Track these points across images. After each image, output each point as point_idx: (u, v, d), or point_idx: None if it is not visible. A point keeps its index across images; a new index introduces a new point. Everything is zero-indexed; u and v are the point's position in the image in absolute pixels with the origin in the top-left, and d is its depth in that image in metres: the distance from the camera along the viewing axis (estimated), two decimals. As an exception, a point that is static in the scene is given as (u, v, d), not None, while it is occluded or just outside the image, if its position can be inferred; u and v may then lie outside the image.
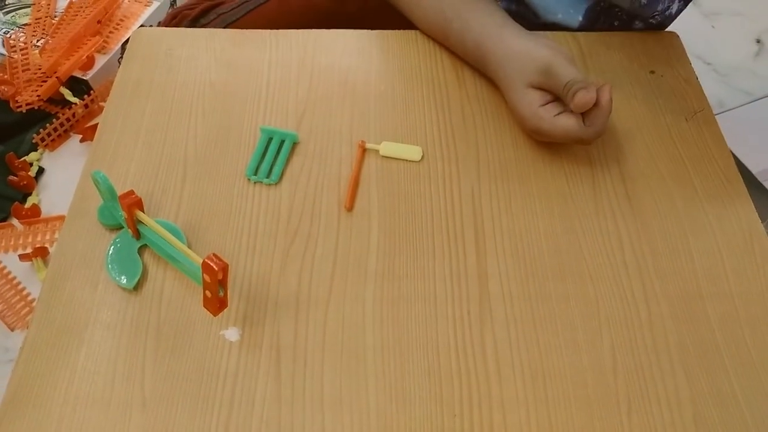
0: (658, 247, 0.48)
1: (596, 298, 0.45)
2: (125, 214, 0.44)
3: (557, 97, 0.50)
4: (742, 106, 1.08)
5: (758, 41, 1.24)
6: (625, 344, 0.43)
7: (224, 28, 0.72)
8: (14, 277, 0.92)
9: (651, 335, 0.44)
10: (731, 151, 0.88)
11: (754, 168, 0.88)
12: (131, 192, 0.44)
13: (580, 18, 0.62)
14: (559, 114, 0.50)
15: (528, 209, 0.50)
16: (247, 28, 0.67)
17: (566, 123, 0.49)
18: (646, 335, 0.44)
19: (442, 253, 0.47)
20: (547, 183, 0.52)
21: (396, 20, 0.64)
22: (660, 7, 0.60)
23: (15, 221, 0.98)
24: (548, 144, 0.53)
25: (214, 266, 0.37)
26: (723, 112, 1.05)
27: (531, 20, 0.56)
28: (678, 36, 0.63)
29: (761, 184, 0.88)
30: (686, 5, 0.66)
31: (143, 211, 0.45)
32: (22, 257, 0.92)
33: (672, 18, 0.65)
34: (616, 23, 0.62)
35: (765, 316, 0.45)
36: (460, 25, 0.57)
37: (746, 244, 0.49)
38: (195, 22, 0.75)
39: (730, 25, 1.26)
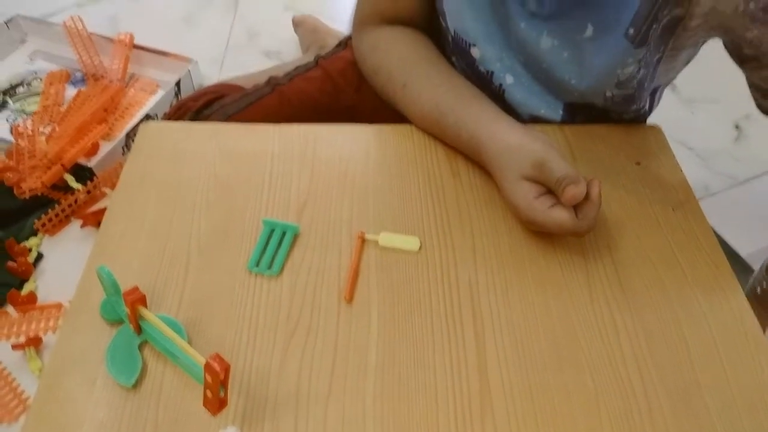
0: (654, 337, 0.49)
1: (595, 391, 0.45)
2: (128, 310, 0.45)
3: (550, 189, 0.52)
4: (727, 190, 1.12)
5: (737, 127, 1.30)
6: (627, 439, 0.43)
7: (226, 119, 0.76)
8: (4, 368, 0.91)
9: (651, 427, 0.44)
10: (719, 235, 0.91)
11: (742, 251, 0.90)
12: (135, 288, 0.45)
13: (561, 111, 0.65)
14: (552, 206, 0.52)
15: (525, 299, 0.51)
16: (248, 120, 0.70)
17: (559, 216, 0.51)
18: (647, 427, 0.44)
19: (442, 344, 0.47)
20: (542, 272, 0.53)
21: (387, 113, 0.68)
22: (633, 107, 0.64)
23: (10, 308, 0.97)
24: (542, 233, 0.55)
25: (217, 367, 0.37)
26: (708, 196, 1.08)
27: (514, 116, 0.60)
28: (660, 129, 0.67)
29: (750, 266, 0.90)
30: (658, 102, 0.70)
31: (146, 307, 0.45)
32: (14, 346, 0.91)
33: (647, 115, 0.69)
34: (593, 116, 0.65)
35: (762, 403, 0.45)
36: (454, 118, 0.60)
37: (739, 331, 0.50)
38: (198, 114, 0.78)
39: (708, 111, 1.33)
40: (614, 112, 0.65)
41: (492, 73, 0.65)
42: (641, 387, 0.46)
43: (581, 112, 0.65)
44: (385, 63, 0.67)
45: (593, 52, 0.57)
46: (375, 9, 0.69)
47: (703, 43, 0.61)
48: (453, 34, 0.65)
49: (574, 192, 0.49)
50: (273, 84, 0.79)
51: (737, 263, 0.91)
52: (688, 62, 0.65)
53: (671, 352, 0.48)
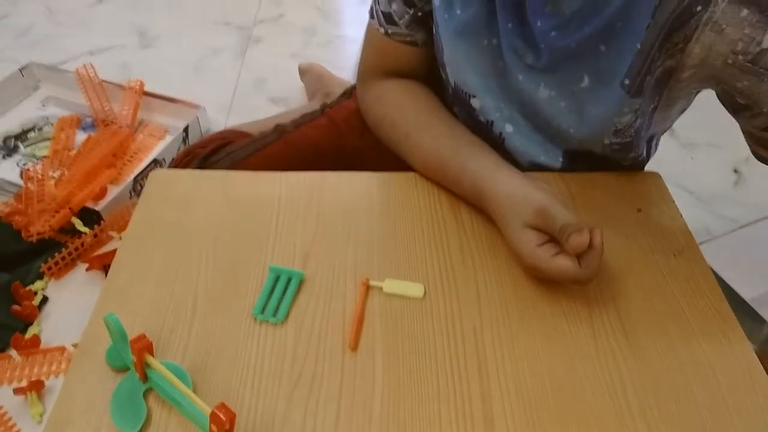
0: (661, 388, 0.48)
1: (603, 442, 0.45)
2: (135, 358, 0.45)
3: (553, 237, 0.53)
4: (729, 233, 1.12)
5: (735, 171, 1.31)
6: (636, 493, 0.42)
7: (233, 165, 0.77)
8: (6, 412, 0.90)
9: (662, 482, 0.43)
10: (723, 279, 0.91)
11: (746, 295, 0.90)
12: (142, 336, 0.45)
13: (561, 159, 0.67)
14: (556, 254, 0.52)
15: (530, 349, 0.51)
16: (254, 166, 0.72)
17: (563, 264, 0.51)
18: (657, 482, 0.43)
19: (447, 395, 0.47)
20: (547, 322, 0.53)
21: (391, 159, 0.69)
22: (631, 155, 0.65)
23: (13, 352, 0.97)
24: (546, 282, 0.55)
25: (223, 417, 0.37)
26: (710, 239, 1.09)
27: (515, 164, 0.61)
28: (660, 176, 0.68)
29: (755, 311, 0.90)
30: (656, 149, 0.72)
31: (153, 355, 0.45)
32: (16, 391, 0.90)
33: (645, 162, 0.70)
34: (593, 163, 0.67)
35: (774, 456, 0.45)
36: (456, 167, 0.62)
37: (746, 381, 0.49)
38: (206, 160, 0.80)
39: (707, 155, 1.34)
40: (613, 159, 0.66)
41: (492, 122, 0.67)
42: (648, 438, 0.45)
43: (581, 159, 0.66)
44: (389, 114, 0.69)
45: (590, 102, 0.59)
46: (377, 63, 0.72)
47: (697, 93, 0.62)
48: (453, 85, 0.67)
49: (579, 241, 0.50)
50: (280, 131, 0.81)
51: (741, 308, 0.91)
52: (682, 111, 0.67)
53: (679, 403, 0.48)
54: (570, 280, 0.52)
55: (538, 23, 0.57)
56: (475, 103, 0.67)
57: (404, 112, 0.68)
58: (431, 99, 0.70)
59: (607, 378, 0.49)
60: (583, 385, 0.48)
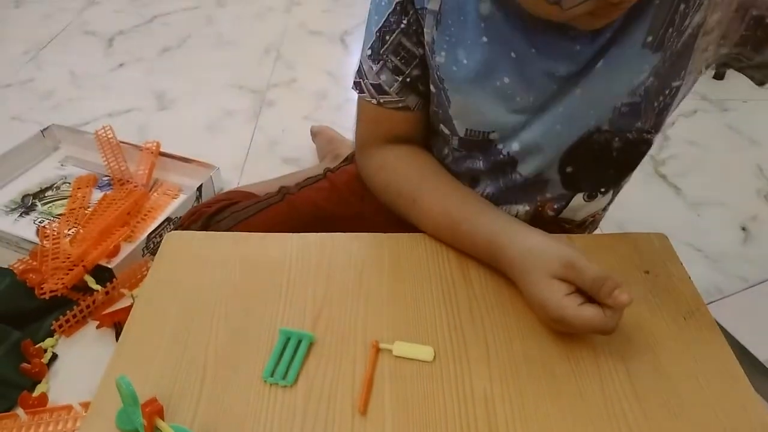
0: (675, 454, 0.48)
1: None
2: (145, 422, 0.45)
3: (580, 289, 0.53)
4: (740, 292, 1.12)
5: (743, 229, 1.32)
6: None
7: (236, 224, 0.79)
8: (9, 475, 0.89)
9: None
10: (735, 338, 0.90)
11: (761, 356, 0.89)
12: (154, 399, 0.45)
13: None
14: (582, 304, 0.53)
15: (540, 411, 0.50)
16: (256, 226, 0.74)
17: (590, 313, 0.52)
18: None
19: (457, 461, 0.47)
20: (557, 383, 0.53)
21: (390, 223, 0.71)
22: (637, 124, 0.65)
23: (20, 410, 0.97)
24: (556, 343, 0.55)
25: (233, 484, 0.37)
26: (722, 298, 1.08)
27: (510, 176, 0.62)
28: (666, 237, 0.69)
29: (769, 371, 0.88)
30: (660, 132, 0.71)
31: (163, 419, 0.46)
32: (21, 451, 0.89)
33: (649, 143, 0.69)
34: (595, 147, 0.67)
35: None
36: (468, 227, 0.63)
37: (763, 446, 0.48)
38: (211, 219, 0.82)
39: (714, 214, 1.35)
40: (618, 135, 0.66)
41: (508, 152, 0.69)
42: None
43: (585, 148, 0.67)
44: (393, 181, 0.71)
45: (615, 69, 0.60)
46: (374, 132, 0.75)
47: (707, 67, 0.64)
48: (464, 133, 0.69)
49: (624, 298, 0.50)
50: (283, 193, 0.84)
51: (755, 367, 0.89)
52: (683, 98, 0.67)
53: (693, 469, 0.47)
54: (593, 330, 0.52)
55: (569, 33, 0.59)
56: (494, 136, 0.68)
57: (409, 178, 0.70)
58: (433, 162, 0.72)
59: (620, 444, 0.48)
60: (595, 452, 0.48)
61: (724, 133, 1.65)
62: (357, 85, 0.72)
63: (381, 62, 0.68)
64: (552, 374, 0.53)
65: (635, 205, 1.29)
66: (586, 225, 0.79)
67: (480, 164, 0.72)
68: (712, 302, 0.59)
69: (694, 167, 1.50)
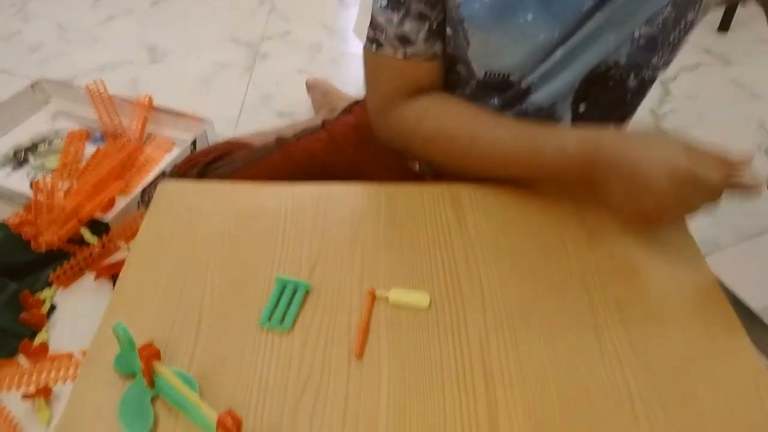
0: (666, 395, 0.48)
1: (609, 452, 0.45)
2: (142, 365, 0.45)
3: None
4: (736, 244, 1.12)
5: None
6: (642, 502, 0.42)
7: (231, 173, 0.79)
8: (13, 418, 0.90)
9: (669, 492, 0.43)
10: (731, 290, 0.91)
11: (755, 305, 0.90)
12: (151, 344, 0.45)
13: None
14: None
15: (535, 357, 0.51)
16: (253, 175, 0.72)
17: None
18: (664, 492, 0.43)
19: (453, 405, 0.47)
20: (552, 329, 0.53)
21: (386, 173, 0.70)
22: (653, 60, 0.64)
23: (21, 358, 0.98)
24: (552, 290, 0.56)
25: (230, 422, 0.37)
26: (718, 250, 1.08)
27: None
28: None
29: (762, 321, 0.89)
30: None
31: (160, 362, 0.46)
32: (24, 396, 0.91)
33: (652, 82, 0.69)
34: (610, 83, 0.66)
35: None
36: (549, 142, 0.60)
37: (753, 392, 0.49)
38: (207, 167, 0.81)
39: (713, 168, 1.34)
40: (634, 71, 0.65)
41: (529, 88, 0.67)
42: (655, 448, 0.45)
43: (600, 83, 0.66)
44: (445, 127, 0.66)
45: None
46: (397, 89, 0.69)
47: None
48: (483, 76, 0.67)
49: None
50: (280, 143, 0.83)
51: (749, 318, 0.91)
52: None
53: (685, 413, 0.47)
54: (720, 180, 0.51)
55: None
56: (514, 78, 0.67)
57: (461, 120, 0.66)
58: (469, 102, 0.69)
59: (613, 385, 0.49)
60: (588, 393, 0.48)
61: (726, 87, 1.62)
62: (374, 42, 0.66)
63: (403, 10, 0.64)
64: (547, 321, 0.54)
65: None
66: None
67: (495, 101, 0.70)
68: (708, 255, 0.59)
69: (695, 122, 1.48)
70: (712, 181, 0.51)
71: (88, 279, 1.12)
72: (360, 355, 0.51)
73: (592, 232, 0.62)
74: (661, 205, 0.53)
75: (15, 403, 0.92)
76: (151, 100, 1.45)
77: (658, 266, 0.59)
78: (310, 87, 1.52)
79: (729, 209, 1.24)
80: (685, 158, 0.52)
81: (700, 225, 1.17)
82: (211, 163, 0.83)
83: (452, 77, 0.71)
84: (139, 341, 0.47)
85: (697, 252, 0.60)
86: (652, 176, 0.53)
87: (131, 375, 0.49)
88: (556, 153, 0.59)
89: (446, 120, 0.66)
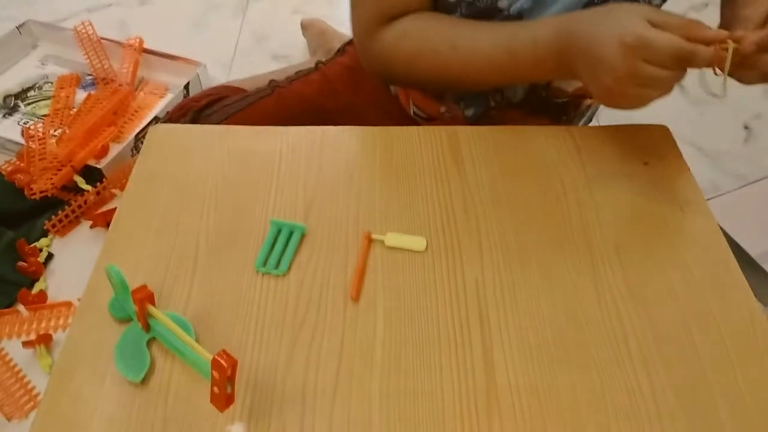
0: (662, 337, 0.48)
1: (602, 390, 0.45)
2: (137, 308, 0.45)
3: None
4: (737, 189, 1.11)
5: (746, 127, 1.29)
6: (634, 438, 0.43)
7: (226, 118, 0.77)
8: (15, 365, 0.92)
9: (660, 428, 0.43)
10: (729, 235, 0.90)
11: (752, 251, 0.90)
12: (144, 287, 0.45)
13: None
14: None
15: (531, 298, 0.51)
16: (246, 120, 0.71)
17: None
18: (655, 428, 0.43)
19: (448, 344, 0.47)
20: (549, 272, 0.53)
21: (379, 114, 0.68)
22: None
23: (20, 307, 0.99)
24: (550, 234, 0.55)
25: (224, 363, 0.37)
26: (718, 195, 1.07)
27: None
28: (667, 128, 0.67)
29: (760, 266, 0.89)
30: None
31: (154, 305, 0.46)
32: (25, 344, 0.92)
33: None
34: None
35: (774, 404, 0.45)
36: (524, 35, 0.59)
37: (748, 330, 0.49)
38: (199, 113, 0.80)
39: (717, 112, 1.32)
40: None
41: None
42: (649, 387, 0.46)
43: None
44: (425, 39, 0.64)
45: None
46: (382, 10, 0.67)
47: None
48: (470, 1, 0.64)
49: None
50: (273, 86, 0.81)
51: (747, 263, 0.91)
52: None
53: (680, 352, 0.48)
54: (681, 54, 0.48)
55: None
56: (503, 4, 0.63)
57: (441, 31, 0.64)
58: (446, 15, 0.66)
59: (608, 325, 0.49)
60: (584, 332, 0.48)
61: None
62: None
63: None
64: (544, 265, 0.53)
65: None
66: (582, 111, 0.76)
67: None
68: (708, 200, 0.58)
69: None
70: (663, 48, 0.48)
71: (84, 228, 1.11)
72: (356, 298, 0.50)
73: (591, 174, 0.60)
74: (618, 78, 0.50)
75: (17, 351, 0.93)
76: (141, 42, 1.41)
77: (660, 209, 0.58)
78: (306, 27, 1.47)
79: (733, 154, 1.22)
80: (640, 26, 0.49)
81: (702, 170, 1.16)
82: (203, 109, 0.80)
83: (440, 3, 0.68)
84: (134, 285, 0.47)
85: (699, 195, 0.59)
86: (604, 47, 0.50)
87: (126, 319, 0.49)
88: (532, 46, 0.58)
89: (426, 34, 0.65)
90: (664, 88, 0.51)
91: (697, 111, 1.32)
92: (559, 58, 0.56)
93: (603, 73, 0.51)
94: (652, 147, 0.64)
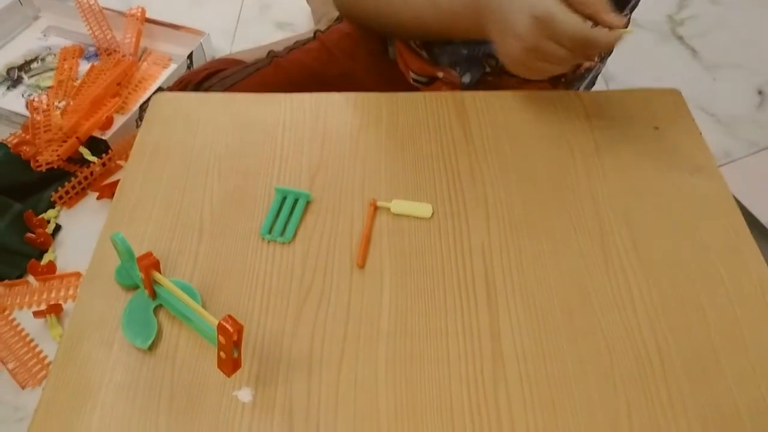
0: (670, 303, 0.48)
1: (609, 356, 0.45)
2: (142, 275, 0.45)
3: None
4: (748, 156, 1.09)
5: (760, 92, 1.26)
6: (640, 403, 0.43)
7: (225, 90, 0.76)
8: (27, 334, 0.93)
9: (667, 393, 0.43)
10: (739, 201, 0.89)
11: (762, 217, 0.88)
12: (149, 254, 0.45)
13: None
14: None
15: (538, 265, 0.50)
16: (245, 90, 0.70)
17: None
18: (662, 393, 0.43)
19: (454, 310, 0.47)
20: (556, 238, 0.52)
21: (377, 80, 0.67)
22: None
23: (30, 278, 1.00)
24: (557, 200, 0.54)
25: (230, 328, 0.37)
26: (729, 162, 1.06)
27: None
28: (679, 92, 0.65)
29: (771, 234, 0.89)
30: None
31: (160, 272, 0.46)
32: (36, 314, 0.93)
33: None
34: None
35: (783, 371, 0.45)
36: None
37: (758, 296, 0.49)
38: (198, 86, 0.80)
39: (731, 77, 1.29)
40: None
41: None
42: (657, 353, 0.45)
43: None
44: None
45: None
46: None
47: None
48: None
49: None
50: (272, 56, 0.81)
51: (758, 231, 0.89)
52: None
53: (688, 319, 0.47)
54: (585, 38, 0.48)
55: None
56: None
57: None
58: None
59: (616, 292, 0.48)
60: (591, 299, 0.48)
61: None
62: None
63: None
64: (551, 231, 0.53)
65: (648, 68, 1.22)
66: (580, 74, 0.74)
67: None
68: (720, 166, 0.57)
69: (714, 28, 1.40)
70: (563, 28, 0.48)
71: (91, 199, 1.12)
72: (362, 265, 0.50)
73: (600, 140, 0.59)
74: (524, 48, 0.51)
75: (28, 321, 0.94)
76: (143, 12, 1.39)
77: (670, 175, 0.57)
78: (310, -5, 1.45)
79: (746, 120, 1.20)
80: (550, 0, 0.48)
81: (714, 136, 1.14)
82: (201, 82, 0.80)
83: None
84: (140, 253, 0.46)
85: (711, 161, 0.58)
86: (515, 15, 0.50)
87: (133, 287, 0.49)
88: (450, 3, 0.58)
89: None
90: (563, 65, 0.51)
91: (709, 76, 1.29)
92: (474, 16, 0.56)
93: (511, 40, 0.51)
94: (664, 112, 0.63)
